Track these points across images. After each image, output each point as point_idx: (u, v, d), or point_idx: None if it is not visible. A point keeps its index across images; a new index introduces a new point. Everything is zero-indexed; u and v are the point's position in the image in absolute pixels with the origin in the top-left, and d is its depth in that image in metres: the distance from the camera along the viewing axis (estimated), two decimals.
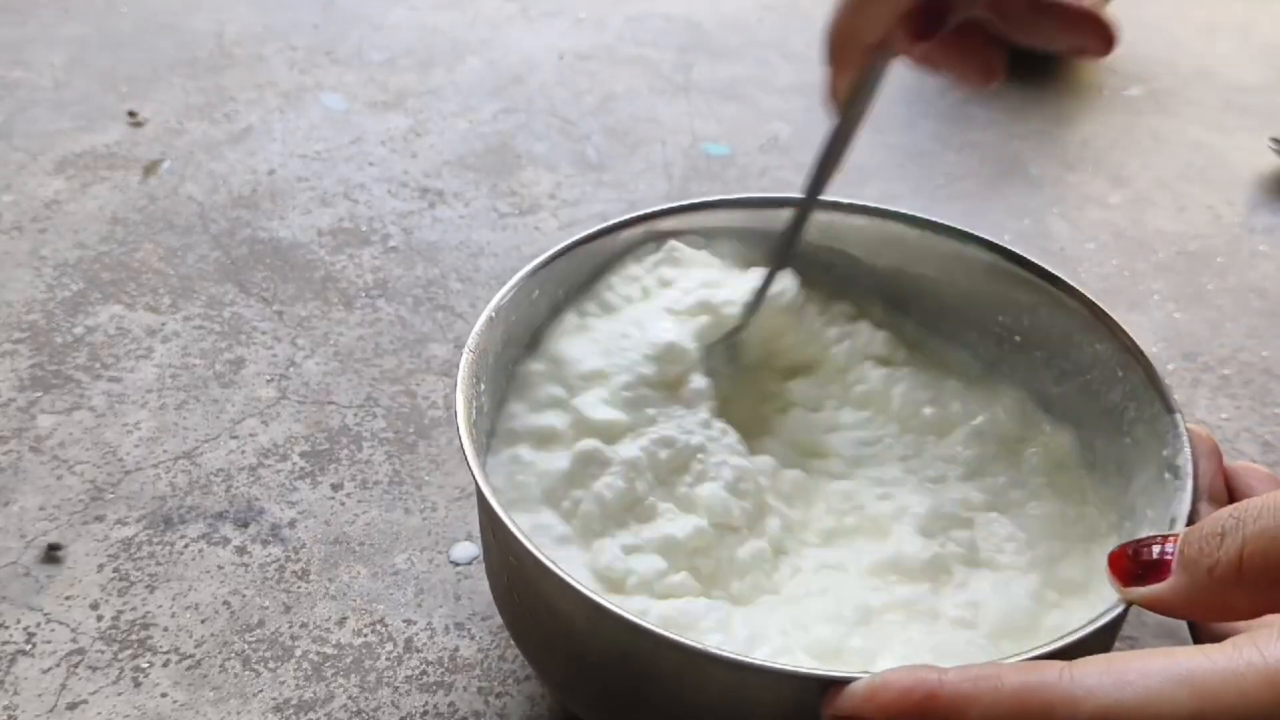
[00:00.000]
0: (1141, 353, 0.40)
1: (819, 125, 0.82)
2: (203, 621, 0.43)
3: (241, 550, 0.46)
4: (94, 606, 0.44)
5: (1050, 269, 0.43)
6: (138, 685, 0.41)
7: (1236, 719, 0.21)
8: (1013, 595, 0.37)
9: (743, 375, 0.45)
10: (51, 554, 0.45)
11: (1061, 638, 0.29)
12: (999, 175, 0.75)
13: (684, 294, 0.43)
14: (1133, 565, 0.28)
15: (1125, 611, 0.30)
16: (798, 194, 0.43)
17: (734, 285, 0.44)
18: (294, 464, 0.51)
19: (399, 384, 0.55)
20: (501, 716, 0.41)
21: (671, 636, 0.29)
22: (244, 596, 0.45)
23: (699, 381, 0.42)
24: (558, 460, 0.38)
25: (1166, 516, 0.35)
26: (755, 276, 0.44)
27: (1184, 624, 0.44)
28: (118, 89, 0.79)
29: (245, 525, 0.48)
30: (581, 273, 0.44)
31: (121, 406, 0.53)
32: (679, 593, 0.36)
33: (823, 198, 0.42)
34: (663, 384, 0.41)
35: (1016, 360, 0.45)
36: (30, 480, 0.49)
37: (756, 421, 0.44)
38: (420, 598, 0.45)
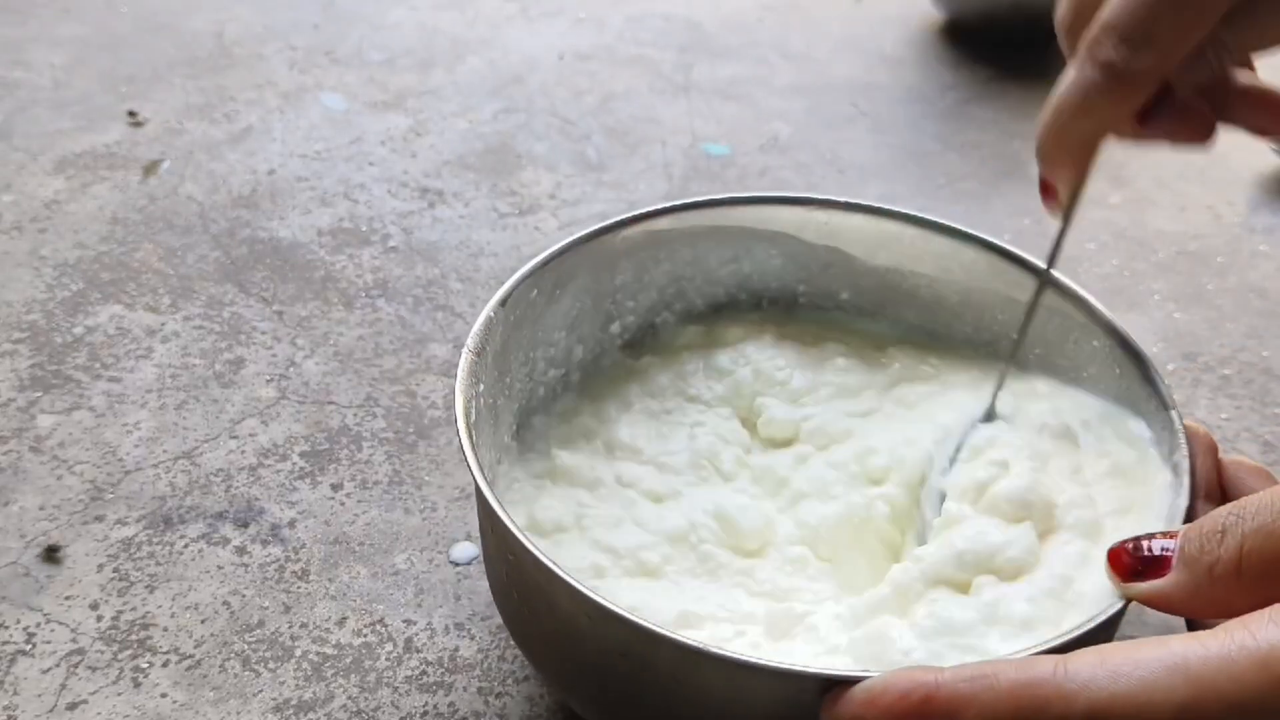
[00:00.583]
0: (1138, 349, 0.40)
1: (819, 125, 0.82)
2: (203, 621, 0.43)
3: (241, 550, 0.46)
4: (94, 606, 0.44)
5: (1045, 267, 0.43)
6: (138, 685, 0.41)
7: (1230, 704, 0.22)
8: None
9: None
10: (51, 555, 0.45)
11: (1060, 635, 0.29)
12: (999, 175, 0.75)
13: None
14: (1132, 561, 0.28)
15: (1124, 608, 0.30)
16: (797, 193, 0.43)
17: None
18: (294, 464, 0.51)
19: (399, 384, 0.55)
20: (501, 716, 0.41)
21: (671, 634, 0.29)
22: (244, 596, 0.45)
23: None
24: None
25: (1165, 514, 0.35)
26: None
27: (1181, 626, 0.44)
28: (117, 89, 0.79)
29: (245, 525, 0.48)
30: (580, 271, 0.44)
31: (121, 406, 0.53)
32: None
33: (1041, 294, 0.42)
34: None
35: (1015, 357, 0.45)
36: (30, 480, 0.49)
37: None
38: (420, 598, 0.45)
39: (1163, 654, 0.23)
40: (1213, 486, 0.35)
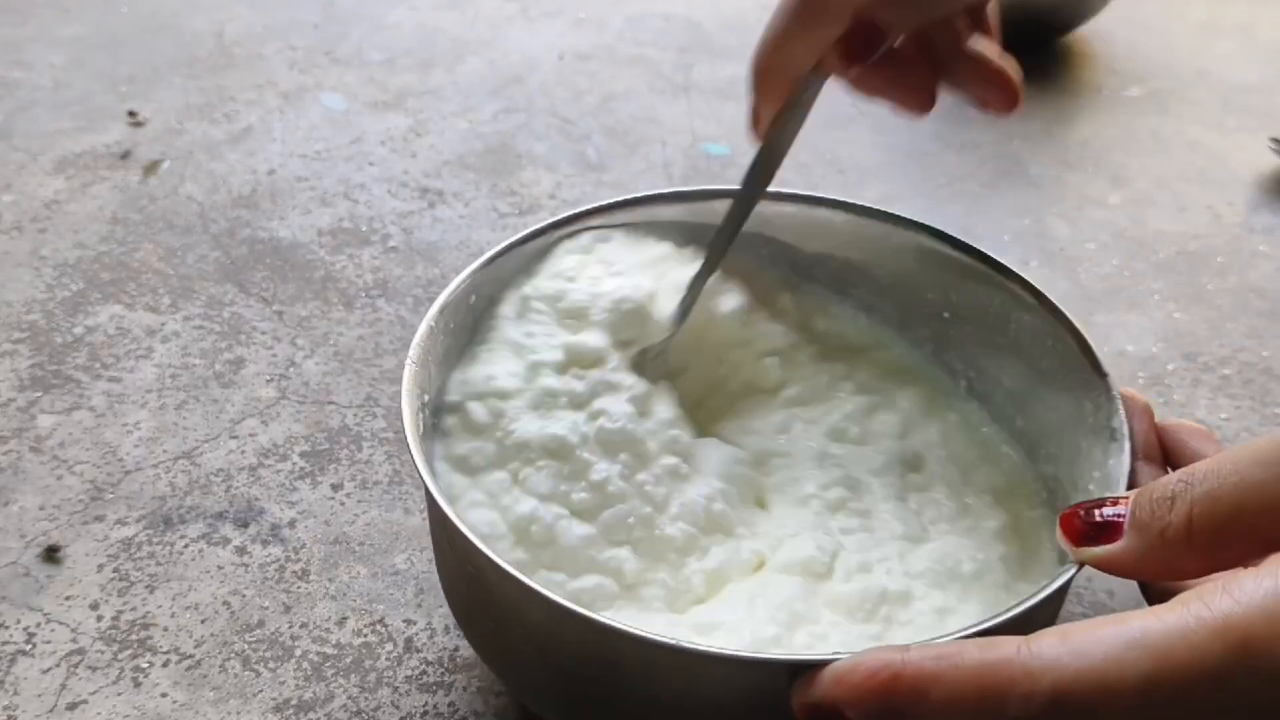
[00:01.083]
0: (1069, 320, 0.40)
1: (819, 125, 0.82)
2: (203, 621, 0.43)
3: (241, 550, 0.46)
4: (94, 606, 0.44)
5: (976, 246, 0.44)
6: (138, 685, 0.41)
7: (1191, 674, 0.22)
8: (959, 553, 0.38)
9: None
10: (51, 555, 0.45)
11: (1018, 603, 0.30)
12: (999, 175, 0.75)
13: (596, 292, 0.42)
14: (1084, 526, 0.28)
15: (1076, 572, 0.31)
16: (730, 186, 0.44)
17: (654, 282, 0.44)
18: (294, 464, 0.51)
19: (399, 384, 0.55)
20: (501, 716, 0.41)
21: (638, 632, 0.29)
22: (244, 596, 0.45)
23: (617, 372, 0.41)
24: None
25: (1105, 480, 0.35)
26: (680, 278, 0.43)
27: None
28: (117, 89, 0.79)
29: (245, 525, 0.48)
30: (518, 274, 0.44)
31: (121, 406, 0.53)
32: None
33: (744, 222, 0.42)
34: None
35: (949, 336, 0.46)
36: (30, 480, 0.49)
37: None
38: (420, 598, 0.45)
39: (1122, 630, 0.23)
40: (1152, 448, 0.36)
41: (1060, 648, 0.23)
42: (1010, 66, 0.37)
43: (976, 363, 0.45)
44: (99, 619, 0.43)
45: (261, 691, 0.41)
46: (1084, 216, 0.71)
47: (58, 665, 0.42)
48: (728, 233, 0.42)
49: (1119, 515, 0.28)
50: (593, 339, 0.41)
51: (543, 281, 0.43)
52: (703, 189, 0.47)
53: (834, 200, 0.46)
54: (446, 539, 0.36)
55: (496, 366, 0.40)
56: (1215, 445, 0.36)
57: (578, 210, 0.45)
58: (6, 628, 0.43)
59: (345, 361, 0.56)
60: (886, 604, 0.36)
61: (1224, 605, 0.22)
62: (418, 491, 0.49)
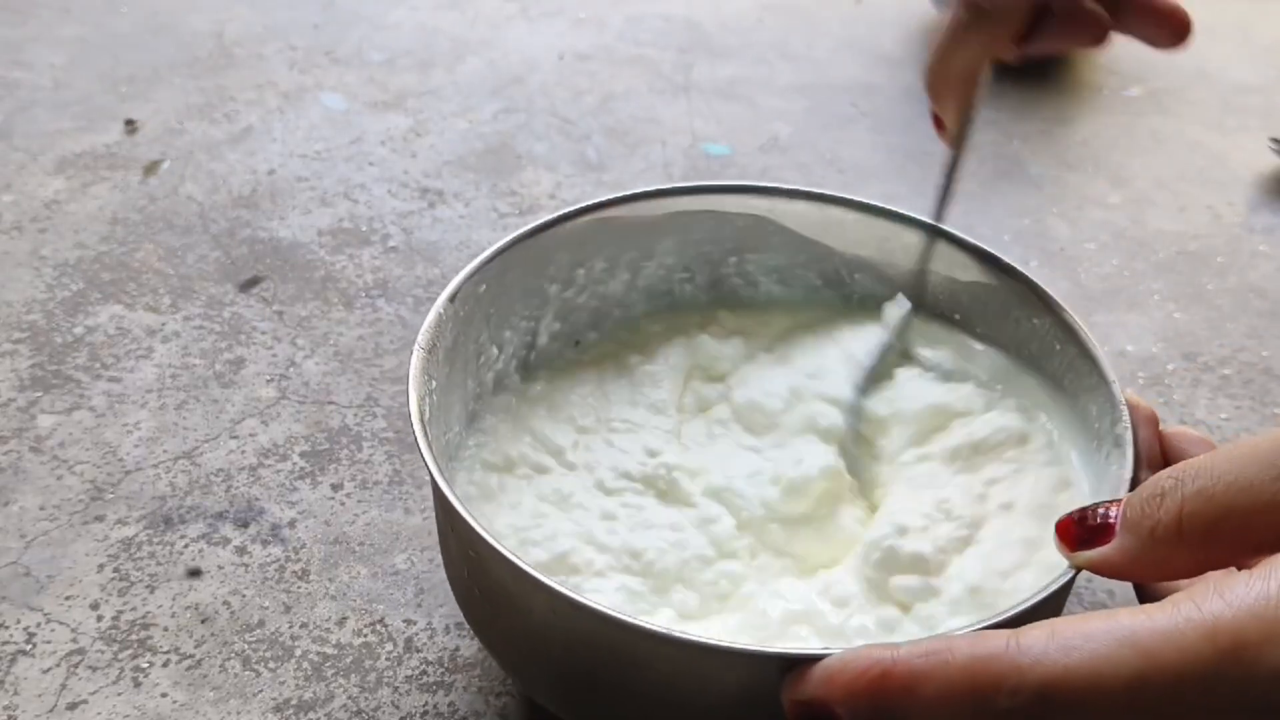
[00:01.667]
0: (1077, 324, 0.40)
1: (819, 125, 0.82)
2: (203, 621, 0.43)
3: (241, 550, 0.46)
4: (94, 606, 0.44)
5: (985, 247, 0.44)
6: (138, 685, 0.41)
7: (1179, 675, 0.22)
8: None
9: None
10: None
11: (1013, 607, 0.30)
12: (999, 175, 0.75)
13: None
14: (1079, 531, 0.29)
15: (1073, 579, 0.31)
16: (738, 181, 0.45)
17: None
18: (294, 464, 0.51)
19: (399, 384, 0.55)
20: (501, 716, 0.41)
21: (634, 621, 0.30)
22: (244, 596, 0.45)
23: None
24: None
25: (1107, 484, 0.36)
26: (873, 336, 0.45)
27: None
28: (117, 89, 0.79)
29: (245, 525, 0.48)
30: (527, 265, 0.44)
31: (121, 406, 0.53)
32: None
33: (944, 227, 0.44)
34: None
35: (960, 337, 0.46)
36: (30, 480, 0.49)
37: None
38: (420, 598, 0.45)
39: (1112, 627, 0.23)
40: (1155, 457, 0.36)
41: (1049, 643, 0.23)
42: (1178, 6, 0.38)
43: (984, 363, 0.45)
44: (99, 619, 0.43)
45: (261, 691, 0.41)
46: (1084, 216, 0.71)
47: (58, 665, 0.42)
48: (929, 256, 0.44)
49: (1111, 517, 0.28)
50: None
51: None
52: (703, 184, 0.47)
53: (844, 198, 0.46)
54: (449, 524, 0.36)
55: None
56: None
57: (592, 202, 0.45)
58: (6, 628, 0.43)
59: (345, 361, 0.56)
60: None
61: (1215, 607, 0.22)
62: (418, 491, 0.49)
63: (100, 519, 0.47)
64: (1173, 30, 0.38)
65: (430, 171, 0.72)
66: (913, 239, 0.45)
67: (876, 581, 0.37)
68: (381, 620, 0.44)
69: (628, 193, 0.46)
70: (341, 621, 0.44)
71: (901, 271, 0.46)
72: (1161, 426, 0.37)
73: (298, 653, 0.42)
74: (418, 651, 0.43)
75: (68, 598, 0.44)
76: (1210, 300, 0.64)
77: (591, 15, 0.95)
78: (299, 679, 0.41)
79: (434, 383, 0.39)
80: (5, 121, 0.74)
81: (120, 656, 0.42)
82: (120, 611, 0.44)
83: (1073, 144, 0.79)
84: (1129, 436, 0.36)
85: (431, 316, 0.39)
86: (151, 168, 0.71)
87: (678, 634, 0.29)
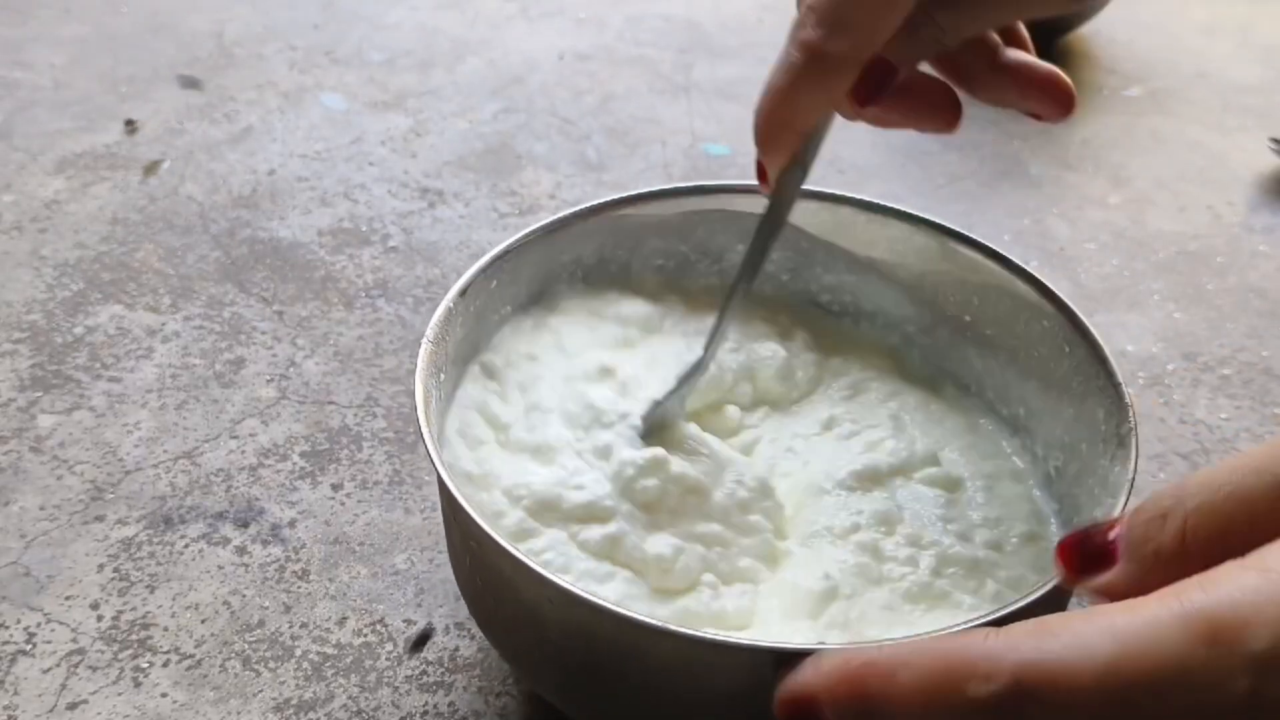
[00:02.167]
0: (1086, 327, 0.40)
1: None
2: (203, 621, 0.43)
3: (241, 550, 0.46)
4: (94, 606, 0.44)
5: (996, 248, 0.44)
6: (138, 685, 0.41)
7: (1153, 663, 0.22)
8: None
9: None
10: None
11: (1002, 607, 0.30)
12: (999, 175, 0.75)
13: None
14: (1081, 556, 0.28)
15: (1056, 586, 0.31)
16: (751, 181, 0.44)
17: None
18: (294, 464, 0.51)
19: (399, 384, 0.55)
20: (501, 716, 0.41)
21: (630, 614, 0.30)
22: (244, 596, 0.45)
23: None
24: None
25: (1108, 488, 0.36)
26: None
27: None
28: (117, 89, 0.79)
29: (245, 525, 0.48)
30: (538, 263, 0.45)
31: (121, 406, 0.53)
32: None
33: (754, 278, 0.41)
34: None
35: (968, 338, 0.46)
36: (30, 480, 0.49)
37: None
38: (420, 598, 0.45)
39: (1094, 619, 0.23)
40: None
41: (1029, 634, 0.23)
42: (1057, 71, 0.36)
43: (992, 365, 0.45)
44: (99, 619, 0.43)
45: (262, 691, 0.41)
46: (1084, 216, 0.71)
47: (58, 665, 0.42)
48: (742, 285, 0.40)
49: (1111, 541, 0.28)
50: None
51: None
52: (701, 184, 0.47)
53: (857, 199, 0.46)
54: (452, 515, 0.37)
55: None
56: None
57: (603, 200, 0.46)
58: (6, 628, 0.43)
59: (345, 361, 0.56)
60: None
61: (1197, 600, 0.22)
62: (418, 491, 0.49)
63: (100, 519, 0.47)
64: (1056, 101, 0.36)
65: (430, 171, 0.72)
66: (924, 241, 0.45)
67: None
68: (381, 620, 0.44)
69: (639, 191, 0.46)
70: (341, 621, 0.44)
71: (912, 273, 0.46)
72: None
73: (298, 653, 0.42)
74: (418, 651, 0.43)
75: (68, 598, 0.44)
76: (1210, 300, 0.64)
77: (591, 15, 0.95)
78: (299, 679, 0.41)
79: (441, 375, 0.39)
80: (5, 121, 0.74)
81: (120, 656, 0.42)
82: (120, 611, 0.44)
83: (1073, 144, 0.79)
84: (1133, 439, 0.36)
85: (441, 310, 0.39)
86: (151, 168, 0.71)
87: (673, 627, 0.30)
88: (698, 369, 0.42)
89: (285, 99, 0.79)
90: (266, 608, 0.44)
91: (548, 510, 0.37)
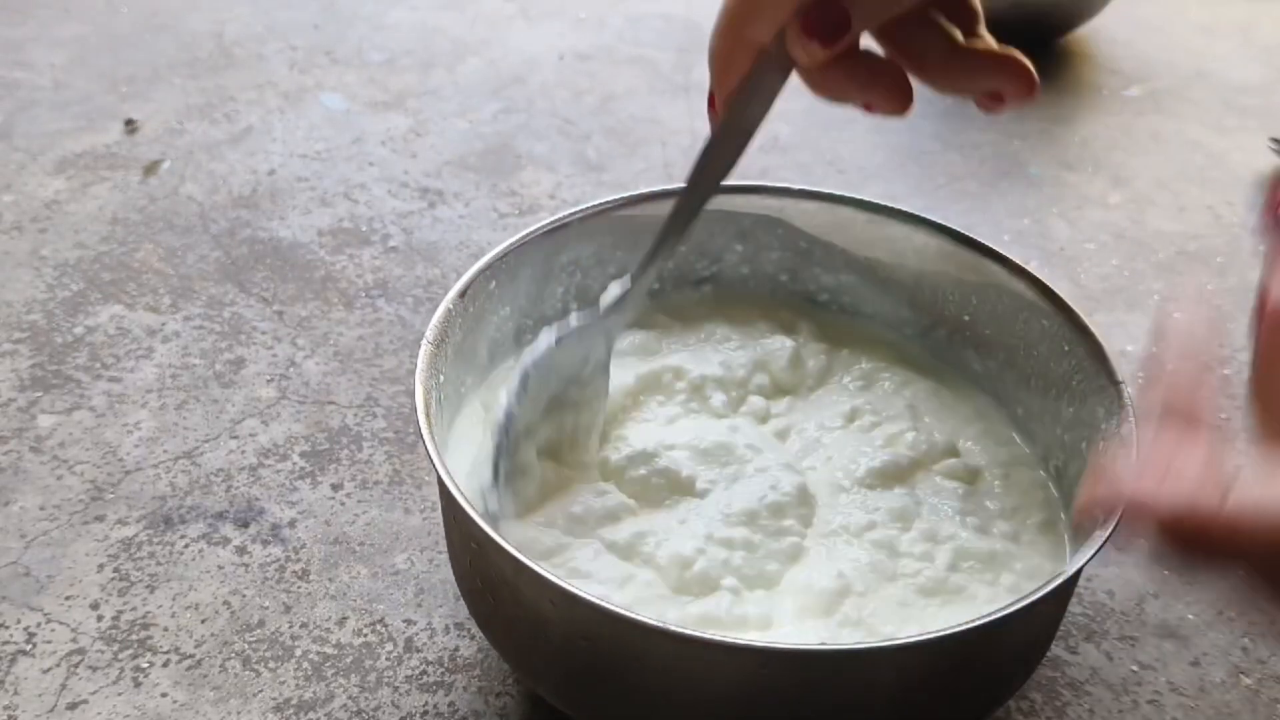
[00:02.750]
0: (1086, 326, 0.40)
1: (819, 125, 0.82)
2: (203, 621, 0.43)
3: (241, 550, 0.46)
4: (94, 606, 0.44)
5: (995, 248, 0.44)
6: (138, 685, 0.41)
7: None
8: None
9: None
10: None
11: (1014, 601, 0.30)
12: (999, 175, 0.75)
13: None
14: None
15: (1075, 576, 0.31)
16: (752, 181, 0.44)
17: None
18: (294, 464, 0.51)
19: (399, 384, 0.55)
20: (501, 716, 0.41)
21: (630, 614, 0.30)
22: (244, 596, 0.45)
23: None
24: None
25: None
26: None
27: (1181, 627, 0.45)
28: (118, 89, 0.79)
29: (245, 525, 0.48)
30: (537, 264, 0.45)
31: (121, 406, 0.53)
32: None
33: (690, 217, 0.38)
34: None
35: (966, 338, 0.46)
36: (30, 480, 0.49)
37: None
38: (420, 598, 0.45)
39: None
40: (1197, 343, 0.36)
41: (1253, 487, 0.27)
42: (1012, 50, 0.35)
43: (991, 365, 0.45)
44: (99, 619, 0.43)
45: (262, 691, 0.41)
46: (1084, 216, 0.71)
47: (58, 665, 0.42)
48: (675, 234, 0.38)
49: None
50: None
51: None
52: (740, 184, 0.47)
53: (857, 199, 0.46)
54: (451, 515, 0.37)
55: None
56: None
57: (603, 201, 0.46)
58: (6, 628, 0.43)
59: (345, 361, 0.56)
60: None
61: None
62: (418, 491, 0.49)
63: (100, 519, 0.47)
64: (1020, 81, 0.34)
65: (430, 171, 0.72)
66: (924, 240, 0.45)
67: None
68: (381, 620, 0.44)
69: (639, 192, 0.46)
70: (341, 621, 0.44)
71: (911, 273, 0.46)
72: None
73: (298, 653, 0.42)
74: (418, 651, 0.43)
75: (68, 598, 0.44)
76: (1210, 300, 0.64)
77: (591, 15, 0.95)
78: (299, 679, 0.41)
79: (440, 376, 0.39)
80: (5, 121, 0.75)
81: (120, 656, 0.42)
82: (120, 611, 0.44)
83: (1073, 144, 0.79)
84: (1135, 439, 0.36)
85: (440, 311, 0.39)
86: (151, 168, 0.71)
87: (674, 627, 0.30)
88: (635, 286, 0.39)
89: (285, 99, 0.79)
90: (266, 608, 0.44)
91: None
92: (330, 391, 0.55)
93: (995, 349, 0.45)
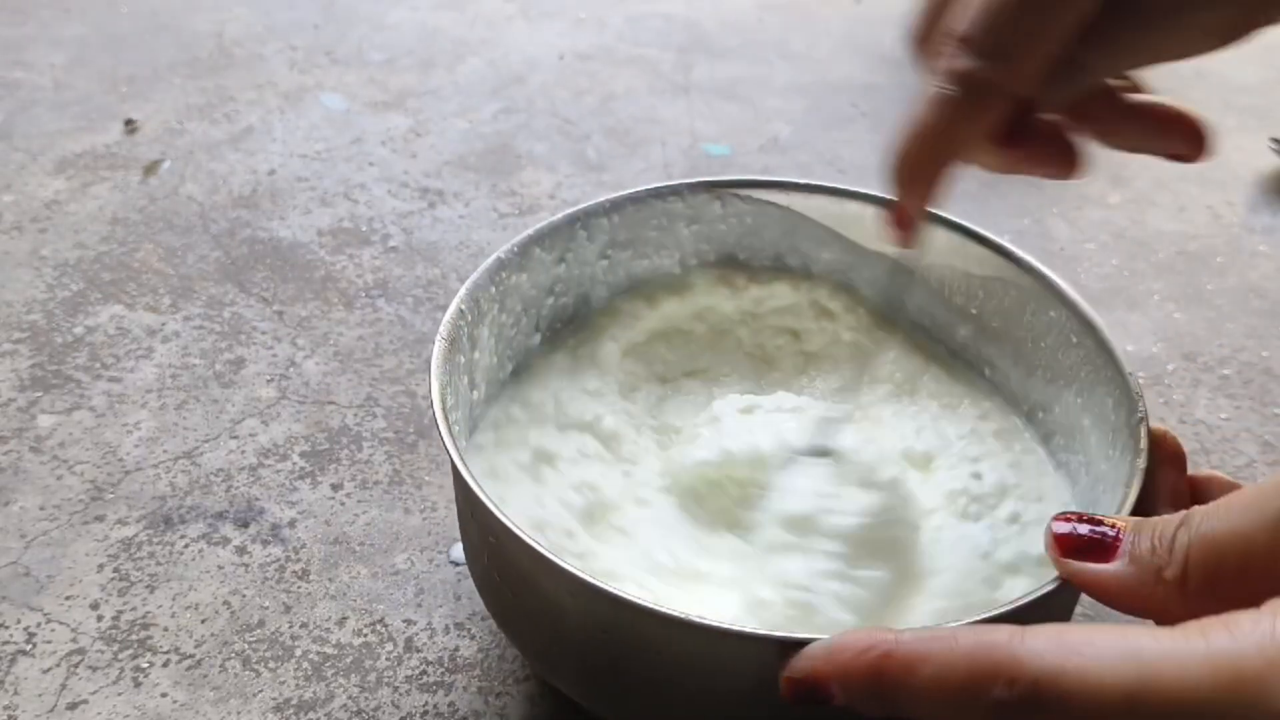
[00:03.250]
0: (1093, 321, 0.40)
1: (819, 125, 0.82)
2: (203, 621, 0.43)
3: (241, 550, 0.46)
4: (94, 606, 0.44)
5: (1002, 242, 0.44)
6: (138, 685, 0.41)
7: (1174, 699, 0.22)
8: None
9: None
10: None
11: (1012, 602, 0.30)
12: (998, 175, 0.75)
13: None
14: (1076, 541, 0.28)
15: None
16: (755, 177, 0.45)
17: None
18: (294, 464, 0.51)
19: (399, 384, 0.55)
20: (501, 716, 0.41)
21: (654, 607, 0.30)
22: (244, 596, 0.45)
23: None
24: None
25: (1118, 480, 0.36)
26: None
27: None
28: (118, 89, 0.79)
29: (245, 525, 0.48)
30: (547, 260, 0.45)
31: (121, 406, 0.53)
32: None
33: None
34: None
35: (977, 331, 0.46)
36: (30, 480, 0.49)
37: None
38: (420, 598, 0.45)
39: (1118, 640, 0.23)
40: (1181, 496, 0.35)
41: (1052, 644, 0.23)
42: (1187, 109, 0.35)
43: (1000, 357, 0.45)
44: (99, 619, 0.43)
45: (261, 691, 0.41)
46: (1084, 216, 0.71)
47: (58, 665, 0.42)
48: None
49: (1114, 537, 0.27)
50: None
51: None
52: (702, 180, 0.47)
53: (863, 194, 0.47)
54: (469, 510, 0.37)
55: None
56: None
57: (614, 197, 0.46)
58: (6, 628, 0.43)
59: (345, 361, 0.56)
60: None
61: (1222, 640, 0.22)
62: (418, 491, 0.49)
63: (100, 519, 0.47)
64: (1193, 139, 0.34)
65: (430, 171, 0.72)
66: (932, 235, 0.45)
67: None
68: (381, 620, 0.44)
69: (645, 188, 0.46)
70: (341, 621, 0.44)
71: (915, 268, 0.47)
72: (1191, 471, 0.36)
73: (298, 653, 0.42)
74: (418, 651, 0.43)
75: (68, 598, 0.44)
76: (1210, 300, 0.64)
77: (591, 15, 0.95)
78: (299, 679, 0.41)
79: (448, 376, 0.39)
80: (5, 121, 0.75)
81: (120, 656, 0.42)
82: (120, 611, 0.44)
83: None
84: (1144, 428, 0.36)
85: (452, 309, 0.40)
86: (151, 168, 0.71)
87: (696, 619, 0.30)
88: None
89: (285, 99, 0.79)
90: (266, 608, 0.44)
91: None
92: (330, 391, 0.55)
93: (1002, 343, 0.45)
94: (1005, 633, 0.24)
